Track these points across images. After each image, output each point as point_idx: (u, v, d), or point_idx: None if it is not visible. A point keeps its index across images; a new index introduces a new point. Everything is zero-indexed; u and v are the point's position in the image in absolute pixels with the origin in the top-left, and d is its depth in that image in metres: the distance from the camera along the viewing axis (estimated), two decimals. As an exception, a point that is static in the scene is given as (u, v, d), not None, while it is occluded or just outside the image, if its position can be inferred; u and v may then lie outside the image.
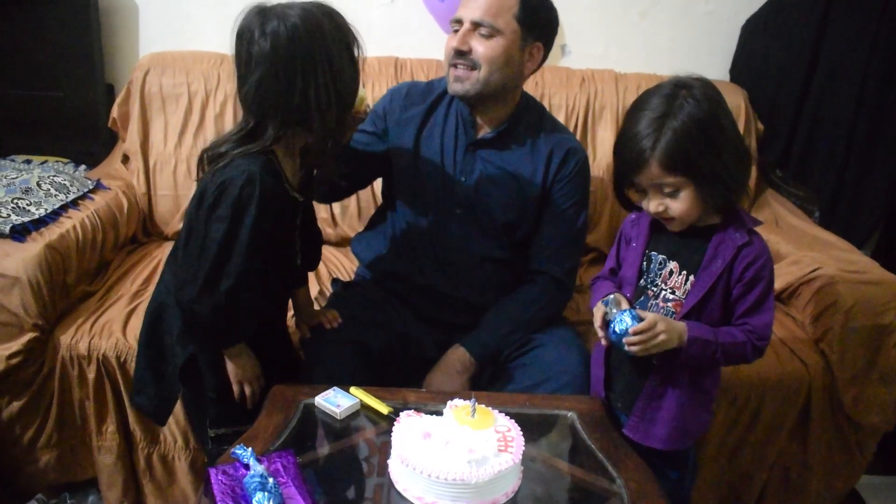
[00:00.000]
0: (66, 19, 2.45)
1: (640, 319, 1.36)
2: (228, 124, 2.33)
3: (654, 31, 2.61)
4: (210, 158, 1.39)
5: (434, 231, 1.82)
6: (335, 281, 2.01)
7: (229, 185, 1.32)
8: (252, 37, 1.31)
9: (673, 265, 1.44)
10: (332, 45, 1.33)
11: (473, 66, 1.67)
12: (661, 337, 1.36)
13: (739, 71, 2.60)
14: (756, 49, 2.54)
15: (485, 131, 1.79)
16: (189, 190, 2.33)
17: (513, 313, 1.75)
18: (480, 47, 1.67)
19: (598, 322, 1.45)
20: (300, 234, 1.57)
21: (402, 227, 1.86)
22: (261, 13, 1.33)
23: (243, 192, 1.32)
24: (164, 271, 1.56)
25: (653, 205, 1.37)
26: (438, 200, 1.81)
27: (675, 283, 1.44)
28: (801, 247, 2.13)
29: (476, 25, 1.66)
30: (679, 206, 1.35)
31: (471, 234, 1.80)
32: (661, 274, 1.46)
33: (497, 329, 1.73)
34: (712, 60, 2.63)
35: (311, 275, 2.07)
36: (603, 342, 1.48)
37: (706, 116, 1.32)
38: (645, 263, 1.48)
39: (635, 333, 1.36)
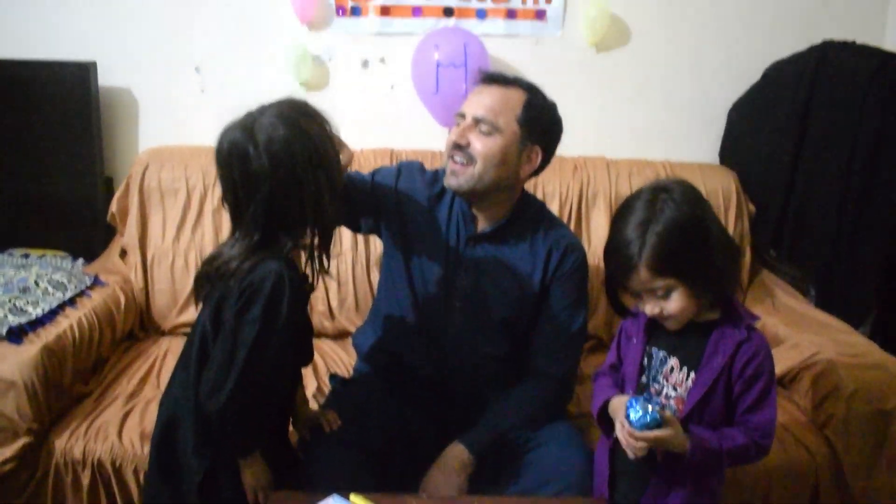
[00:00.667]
0: (68, 114, 2.50)
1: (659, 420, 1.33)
2: (226, 219, 2.34)
3: (643, 116, 2.66)
4: (221, 274, 1.38)
5: (434, 325, 1.81)
6: (333, 377, 2.00)
7: (259, 286, 1.33)
8: (246, 155, 1.33)
9: (673, 361, 1.44)
10: (316, 138, 1.37)
11: (470, 161, 1.69)
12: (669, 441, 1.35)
13: (728, 153, 2.64)
14: (744, 131, 2.59)
15: (484, 226, 1.81)
16: (186, 285, 2.34)
17: (513, 411, 1.73)
18: (478, 143, 1.69)
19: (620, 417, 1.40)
20: None
21: (400, 319, 1.85)
22: (244, 129, 1.35)
23: (275, 293, 1.32)
24: (173, 382, 1.52)
25: (648, 307, 1.39)
26: (438, 293, 1.81)
27: (676, 379, 1.44)
28: (799, 329, 2.13)
29: (477, 121, 1.70)
30: (673, 306, 1.36)
31: (470, 328, 1.80)
32: (662, 370, 1.46)
33: (497, 426, 1.70)
34: (701, 144, 2.68)
35: (308, 370, 2.07)
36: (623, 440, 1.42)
37: (688, 217, 1.34)
38: (646, 360, 1.49)
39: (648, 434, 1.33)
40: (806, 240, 2.45)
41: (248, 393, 1.34)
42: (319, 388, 2.05)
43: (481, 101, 1.71)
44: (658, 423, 1.32)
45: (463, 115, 1.73)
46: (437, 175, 1.87)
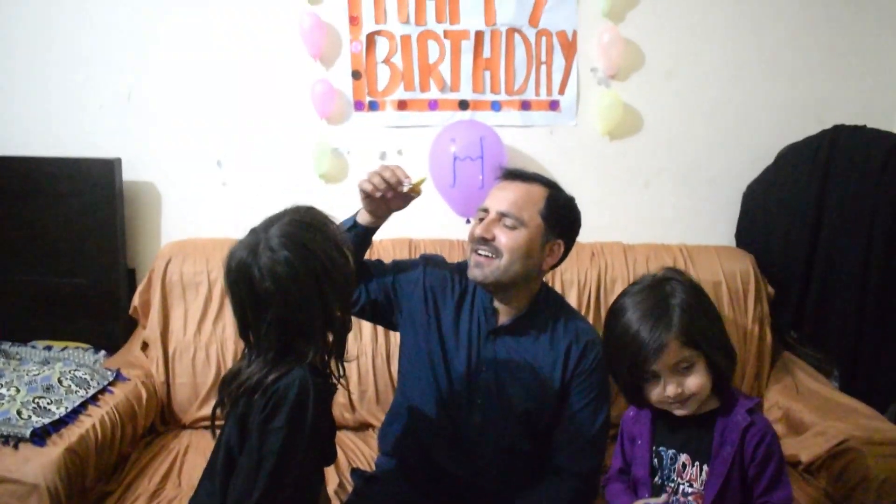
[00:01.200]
0: (93, 208, 2.55)
1: None
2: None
3: (658, 201, 2.70)
4: (243, 392, 1.38)
5: (455, 421, 1.81)
6: (355, 472, 1.98)
7: (284, 395, 1.32)
8: (252, 278, 1.34)
9: (685, 458, 1.46)
10: (321, 252, 1.37)
11: (496, 254, 1.72)
12: None
13: (744, 236, 2.65)
14: (759, 213, 2.61)
15: (504, 319, 1.82)
16: (207, 378, 2.36)
17: None
18: (504, 237, 1.72)
19: None
20: None
21: (422, 416, 1.85)
22: (250, 250, 1.36)
23: (299, 400, 1.32)
24: (199, 492, 1.51)
25: (671, 388, 1.41)
26: (461, 390, 1.81)
27: (690, 475, 1.46)
28: (825, 416, 2.11)
29: (502, 216, 1.73)
30: (695, 381, 1.40)
31: (492, 423, 1.79)
32: (674, 468, 1.47)
33: None
34: (717, 226, 2.70)
35: (331, 467, 2.06)
36: None
37: (697, 292, 1.45)
38: (656, 460, 1.50)
39: None
40: (828, 321, 2.44)
41: (275, 501, 1.33)
42: (341, 485, 2.03)
43: (505, 197, 1.74)
44: None
45: (486, 210, 1.76)
46: (461, 269, 1.89)
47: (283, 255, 1.33)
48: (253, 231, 1.41)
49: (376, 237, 1.90)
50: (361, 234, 1.80)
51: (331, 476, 2.04)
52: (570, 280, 2.41)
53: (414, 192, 1.73)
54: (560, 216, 1.79)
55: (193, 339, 2.39)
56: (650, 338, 1.38)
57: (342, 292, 1.42)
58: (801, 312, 2.50)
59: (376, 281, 1.88)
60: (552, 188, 1.81)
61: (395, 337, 2.33)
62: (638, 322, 1.41)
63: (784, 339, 2.57)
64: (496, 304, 1.81)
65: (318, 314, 1.37)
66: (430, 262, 1.93)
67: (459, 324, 1.83)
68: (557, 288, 2.39)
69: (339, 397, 2.31)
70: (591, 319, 2.36)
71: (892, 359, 2.37)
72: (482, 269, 1.73)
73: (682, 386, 1.41)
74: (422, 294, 1.86)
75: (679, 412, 1.45)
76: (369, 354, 2.36)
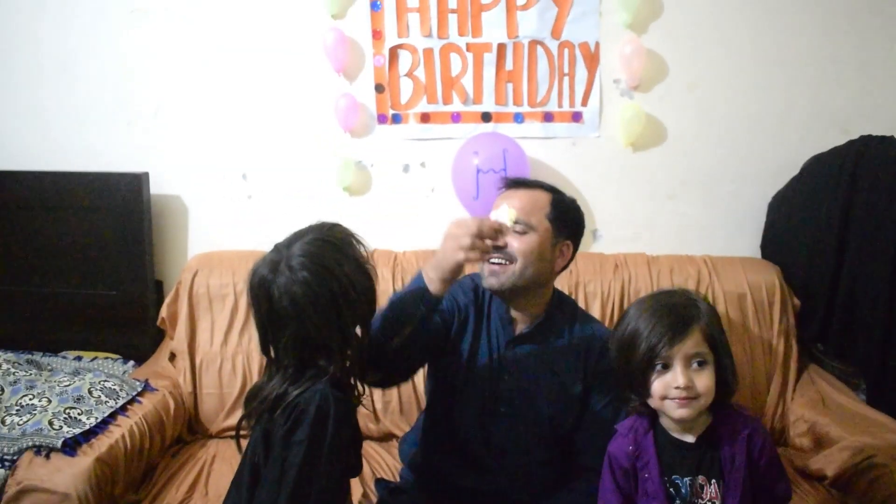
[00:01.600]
0: (121, 221, 2.60)
1: None
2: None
3: (682, 212, 2.69)
4: (266, 408, 1.40)
5: (480, 432, 1.82)
6: (379, 482, 2.00)
7: (305, 408, 1.35)
8: (270, 296, 1.38)
9: (701, 479, 1.47)
10: (341, 273, 1.39)
11: (510, 260, 1.74)
12: None
13: (770, 247, 2.64)
14: (784, 225, 2.59)
15: (522, 327, 1.84)
16: (234, 388, 2.39)
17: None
18: (516, 242, 1.74)
19: None
20: None
21: (446, 428, 1.86)
22: (271, 268, 1.39)
23: (320, 414, 1.34)
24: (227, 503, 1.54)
25: (681, 378, 1.41)
26: (484, 401, 1.82)
27: (711, 494, 1.47)
28: (852, 430, 2.09)
29: (515, 222, 1.74)
30: (705, 381, 1.42)
31: (516, 432, 1.80)
32: (692, 491, 1.47)
33: None
34: (742, 238, 2.68)
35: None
36: None
37: (713, 309, 1.52)
38: (672, 490, 1.48)
39: None
40: (854, 333, 2.41)
41: None
42: (365, 495, 2.05)
43: (512, 204, 1.76)
44: None
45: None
46: (475, 282, 1.91)
47: (302, 276, 1.36)
48: (276, 248, 1.44)
49: (399, 249, 1.92)
50: (434, 304, 1.65)
51: (355, 486, 2.05)
52: (594, 292, 2.41)
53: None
54: (566, 218, 1.82)
55: (220, 350, 2.42)
56: (674, 324, 1.42)
57: (362, 312, 1.44)
58: (827, 325, 2.47)
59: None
60: (554, 192, 1.84)
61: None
62: (656, 314, 1.45)
63: (810, 351, 2.55)
64: (512, 312, 1.83)
65: (336, 333, 1.39)
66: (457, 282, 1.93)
67: (480, 336, 1.85)
68: (581, 299, 2.39)
69: (362, 408, 2.33)
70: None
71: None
72: (498, 277, 1.75)
73: (690, 379, 1.42)
74: (458, 314, 1.87)
75: (678, 412, 1.43)
76: (393, 366, 2.37)
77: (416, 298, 1.61)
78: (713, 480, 1.46)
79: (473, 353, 1.84)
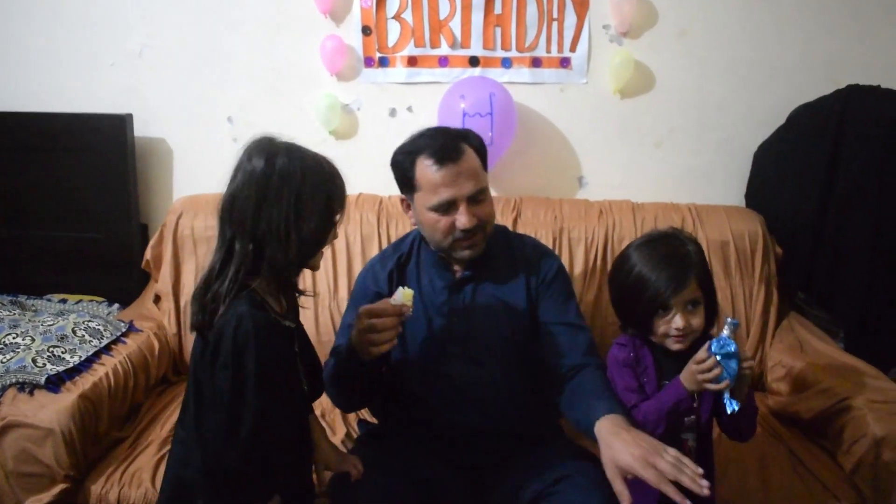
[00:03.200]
0: (105, 164, 2.58)
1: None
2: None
3: (669, 160, 2.68)
4: (208, 303, 1.39)
5: (439, 378, 1.83)
6: (361, 423, 2.02)
7: (223, 332, 1.34)
8: (246, 154, 1.44)
9: None
10: (309, 190, 1.40)
11: (482, 230, 1.75)
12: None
13: (754, 196, 2.64)
14: (770, 174, 2.60)
15: (459, 270, 1.84)
16: (218, 330, 2.39)
17: (600, 388, 1.69)
18: (482, 212, 1.75)
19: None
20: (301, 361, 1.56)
21: (405, 386, 1.87)
22: (271, 140, 1.46)
23: (238, 335, 1.32)
24: (174, 442, 1.53)
25: (680, 321, 1.59)
26: (434, 348, 1.83)
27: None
28: (828, 374, 2.12)
29: (472, 198, 1.72)
30: (698, 320, 1.62)
31: (474, 366, 1.81)
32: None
33: (608, 396, 1.64)
34: (727, 187, 2.68)
35: (338, 416, 2.10)
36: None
37: (701, 250, 1.68)
38: None
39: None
40: (836, 283, 2.44)
41: (240, 437, 1.33)
42: (349, 434, 2.07)
43: (463, 182, 1.71)
44: (734, 329, 1.55)
45: (453, 202, 1.72)
46: (398, 247, 1.93)
47: (282, 161, 1.41)
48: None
49: (385, 194, 1.90)
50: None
51: (338, 425, 2.08)
52: (578, 238, 2.42)
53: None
54: (484, 154, 1.82)
55: (204, 292, 2.42)
56: (675, 275, 1.59)
57: (299, 235, 1.39)
58: (809, 274, 2.50)
59: None
60: (467, 139, 1.79)
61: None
62: (659, 264, 1.61)
63: (792, 299, 2.58)
64: (444, 257, 1.84)
65: (261, 223, 1.36)
66: (363, 277, 1.94)
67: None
68: (565, 245, 2.40)
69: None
70: (598, 277, 2.39)
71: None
72: (475, 248, 1.77)
73: (688, 321, 1.60)
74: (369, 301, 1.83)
75: (676, 346, 1.63)
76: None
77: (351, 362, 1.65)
78: None
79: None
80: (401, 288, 1.57)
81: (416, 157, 1.75)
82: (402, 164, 1.79)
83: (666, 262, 1.61)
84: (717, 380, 1.53)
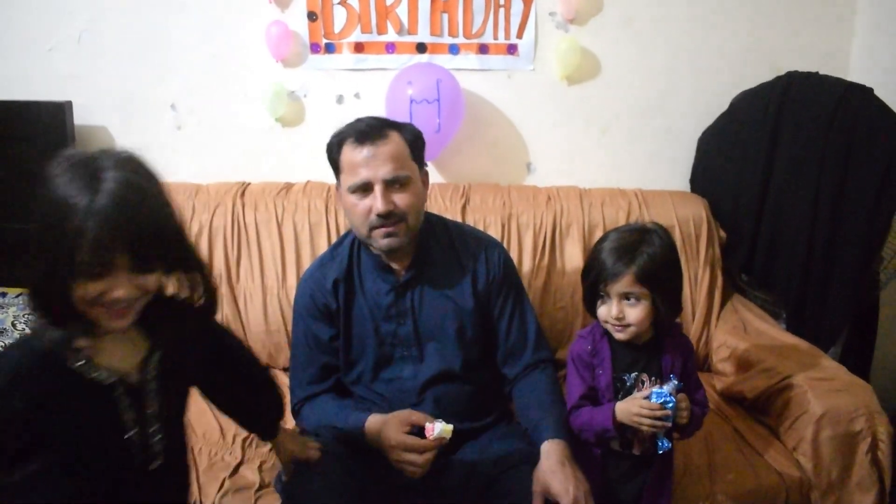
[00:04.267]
0: (43, 152, 2.45)
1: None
2: (203, 255, 2.37)
3: (615, 146, 2.72)
4: None
5: (390, 381, 1.84)
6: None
7: None
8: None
9: (644, 376, 1.67)
10: (53, 202, 1.11)
11: (401, 219, 1.73)
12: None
13: (698, 181, 2.69)
14: (713, 160, 2.65)
15: (400, 267, 1.84)
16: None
17: (548, 395, 1.78)
18: (402, 200, 1.72)
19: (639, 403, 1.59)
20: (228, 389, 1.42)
21: (357, 390, 1.89)
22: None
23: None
24: None
25: (614, 310, 1.63)
26: (383, 352, 1.84)
27: (648, 388, 1.64)
28: (770, 354, 2.17)
29: (389, 183, 1.71)
30: (635, 313, 1.62)
31: (424, 367, 1.83)
32: (634, 385, 1.66)
33: (552, 411, 1.73)
34: (672, 172, 2.73)
35: (288, 410, 2.07)
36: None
37: (670, 249, 1.66)
38: (618, 384, 1.67)
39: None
40: (777, 264, 2.50)
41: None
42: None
43: (382, 162, 1.71)
44: (676, 389, 1.59)
45: (369, 184, 1.71)
46: (336, 253, 1.91)
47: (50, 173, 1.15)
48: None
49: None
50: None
51: (289, 417, 2.06)
52: (526, 223, 2.43)
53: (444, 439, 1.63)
54: (418, 146, 1.81)
55: (149, 283, 2.38)
56: (612, 265, 1.61)
57: (39, 259, 1.10)
58: (751, 256, 2.56)
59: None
60: (398, 127, 1.79)
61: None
62: (610, 251, 1.63)
63: (735, 282, 2.63)
64: (385, 260, 1.83)
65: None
66: (305, 283, 1.92)
67: (357, 298, 1.85)
68: (513, 231, 2.41)
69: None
70: (546, 261, 2.41)
71: (837, 301, 2.43)
72: (396, 238, 1.74)
73: (623, 313, 1.62)
74: (317, 315, 1.87)
75: (617, 335, 1.66)
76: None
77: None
78: (653, 377, 1.66)
79: (356, 315, 1.85)
80: (441, 423, 1.60)
81: (343, 140, 1.76)
82: (330, 149, 1.80)
83: (618, 251, 1.62)
84: (654, 426, 1.58)
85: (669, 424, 1.58)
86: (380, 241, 1.74)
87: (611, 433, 1.61)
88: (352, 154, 1.73)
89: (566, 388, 1.75)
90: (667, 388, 1.57)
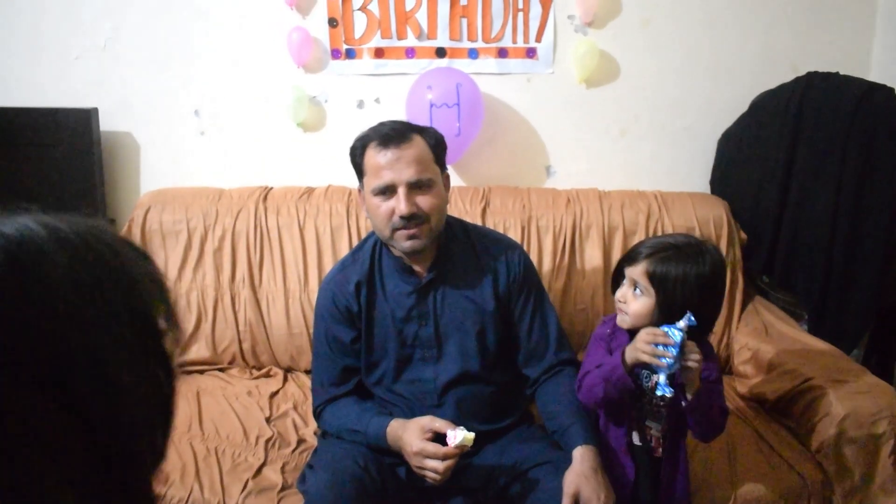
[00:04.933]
0: (71, 158, 2.56)
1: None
2: (226, 258, 2.41)
3: (634, 148, 2.72)
4: None
5: (411, 383, 1.86)
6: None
7: None
8: None
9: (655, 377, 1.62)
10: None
11: (425, 220, 1.75)
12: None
13: (718, 183, 2.69)
14: (733, 161, 2.64)
15: (423, 274, 1.85)
16: (188, 324, 2.39)
17: (573, 399, 1.77)
18: (425, 202, 1.74)
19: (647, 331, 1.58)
20: None
21: (378, 392, 1.91)
22: None
23: None
24: None
25: (620, 293, 1.67)
26: (405, 354, 1.86)
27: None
28: (791, 356, 2.17)
29: (412, 185, 1.73)
30: (635, 305, 1.63)
31: (446, 368, 1.85)
32: (649, 383, 1.64)
33: (580, 417, 1.73)
34: (692, 174, 2.72)
35: (310, 408, 2.09)
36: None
37: (713, 270, 1.62)
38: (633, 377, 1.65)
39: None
40: (798, 265, 2.49)
41: None
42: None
43: (406, 165, 1.72)
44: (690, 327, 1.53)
45: (392, 187, 1.73)
46: (357, 256, 1.92)
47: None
48: None
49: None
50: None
51: (310, 418, 2.08)
52: (546, 226, 2.44)
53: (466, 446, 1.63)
54: (440, 151, 1.83)
55: (174, 286, 2.41)
56: (638, 249, 1.66)
57: None
58: (772, 258, 2.55)
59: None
60: (421, 130, 1.82)
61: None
62: (648, 243, 1.67)
63: (756, 283, 2.63)
64: (407, 262, 1.85)
65: None
66: (326, 288, 1.94)
67: (378, 300, 1.87)
68: (533, 233, 2.42)
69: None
70: (566, 265, 2.41)
71: (859, 303, 2.42)
72: (419, 240, 1.76)
73: (625, 298, 1.65)
74: (349, 313, 1.88)
75: (619, 319, 1.69)
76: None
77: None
78: None
79: (379, 317, 1.87)
80: (463, 430, 1.59)
81: (366, 144, 1.78)
82: (354, 152, 1.82)
83: (656, 245, 1.64)
84: (655, 357, 1.52)
85: (672, 358, 1.50)
86: (403, 242, 1.76)
87: (618, 371, 1.57)
88: (376, 157, 1.75)
89: (584, 359, 1.77)
90: (680, 323, 1.52)
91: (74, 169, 2.56)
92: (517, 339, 1.90)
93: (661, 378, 1.52)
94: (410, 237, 1.75)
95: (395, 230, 1.75)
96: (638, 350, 1.55)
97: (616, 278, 1.72)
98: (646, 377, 1.64)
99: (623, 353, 1.59)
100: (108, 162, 2.65)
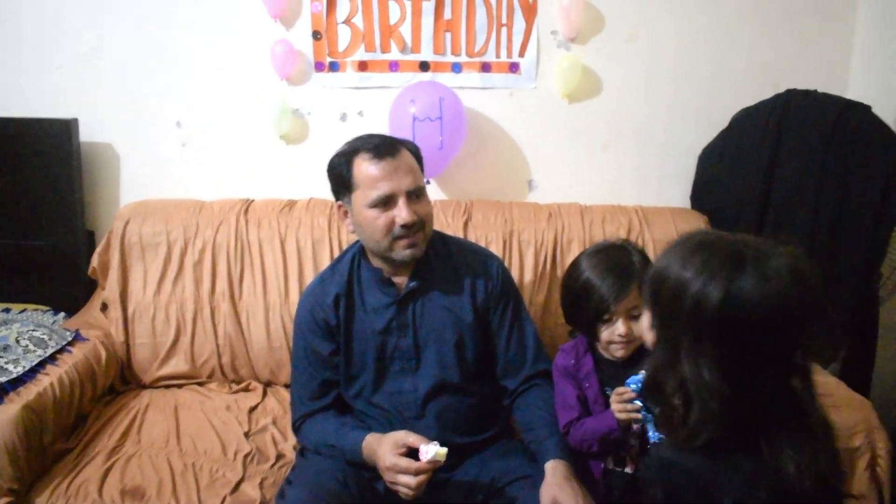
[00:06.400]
0: (50, 169, 2.54)
1: None
2: (206, 271, 2.39)
3: (616, 163, 2.73)
4: None
5: (391, 394, 1.86)
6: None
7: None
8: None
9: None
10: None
11: (421, 228, 1.78)
12: None
13: (699, 198, 2.70)
14: (713, 176, 2.65)
15: (402, 285, 1.86)
16: (167, 338, 2.37)
17: (550, 411, 1.79)
18: (421, 210, 1.78)
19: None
20: None
21: (358, 404, 1.90)
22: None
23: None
24: None
25: (622, 328, 1.66)
26: (384, 366, 1.86)
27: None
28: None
29: (409, 194, 1.75)
30: (640, 328, 1.57)
31: (425, 380, 1.84)
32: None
33: (553, 430, 1.75)
34: (673, 189, 2.73)
35: (289, 423, 2.07)
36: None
37: (647, 260, 1.70)
38: (604, 398, 1.71)
39: None
40: (777, 281, 2.50)
41: None
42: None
43: (402, 176, 1.75)
44: None
45: (392, 197, 1.74)
46: (336, 269, 1.93)
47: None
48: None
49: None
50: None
51: (289, 433, 2.06)
52: (528, 241, 2.44)
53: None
54: (421, 161, 1.86)
55: (153, 299, 2.39)
56: (614, 285, 1.66)
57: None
58: (752, 272, 2.56)
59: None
60: (405, 143, 1.85)
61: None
62: (604, 273, 1.68)
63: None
64: (386, 274, 1.85)
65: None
66: (304, 302, 1.95)
67: (357, 313, 1.87)
68: (515, 248, 2.42)
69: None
70: (547, 279, 2.41)
71: (837, 318, 2.44)
72: (418, 247, 1.79)
73: (631, 329, 1.66)
74: (328, 326, 1.89)
75: (618, 353, 1.70)
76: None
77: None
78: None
79: (357, 329, 1.87)
80: (435, 445, 1.59)
81: (352, 157, 1.78)
82: (339, 167, 1.81)
83: (611, 270, 1.67)
84: (634, 413, 1.59)
85: (639, 411, 1.57)
86: (403, 251, 1.77)
87: (616, 432, 1.62)
88: (369, 169, 1.75)
89: (557, 398, 1.77)
90: (641, 374, 1.56)
91: (54, 179, 2.54)
92: (495, 350, 1.91)
93: (649, 429, 1.57)
94: (411, 245, 1.76)
95: (395, 239, 1.76)
96: (618, 413, 1.61)
97: (593, 322, 1.71)
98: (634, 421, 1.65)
99: (612, 415, 1.63)
100: (87, 173, 2.63)
